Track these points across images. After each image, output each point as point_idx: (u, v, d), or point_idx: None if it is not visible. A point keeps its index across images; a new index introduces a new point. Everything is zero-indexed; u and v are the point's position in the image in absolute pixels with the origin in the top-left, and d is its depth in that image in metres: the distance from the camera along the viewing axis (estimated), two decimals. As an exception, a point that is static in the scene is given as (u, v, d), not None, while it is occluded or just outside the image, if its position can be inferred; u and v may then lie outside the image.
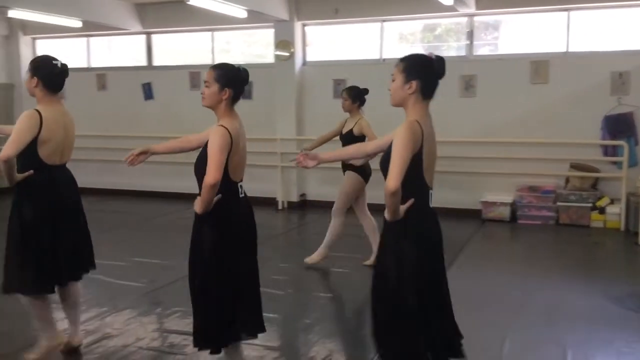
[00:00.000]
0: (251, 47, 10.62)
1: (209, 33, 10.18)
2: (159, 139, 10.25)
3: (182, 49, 10.72)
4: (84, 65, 11.10)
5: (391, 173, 2.56)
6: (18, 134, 3.52)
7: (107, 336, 4.19)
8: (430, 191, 2.81)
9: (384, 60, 9.20)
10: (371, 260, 5.63)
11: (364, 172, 5.94)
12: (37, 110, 3.63)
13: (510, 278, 5.75)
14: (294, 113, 9.54)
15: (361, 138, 5.75)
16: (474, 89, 8.72)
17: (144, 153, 3.53)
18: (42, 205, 3.65)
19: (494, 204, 8.41)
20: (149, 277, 5.65)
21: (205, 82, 3.21)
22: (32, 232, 3.62)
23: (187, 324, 4.37)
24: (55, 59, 3.80)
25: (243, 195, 3.34)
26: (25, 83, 3.81)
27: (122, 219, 8.64)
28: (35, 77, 3.70)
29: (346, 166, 5.97)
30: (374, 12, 9.06)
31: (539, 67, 8.40)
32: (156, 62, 10.65)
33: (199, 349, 3.28)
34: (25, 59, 11.24)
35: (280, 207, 9.55)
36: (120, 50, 11.06)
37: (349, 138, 5.91)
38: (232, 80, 3.22)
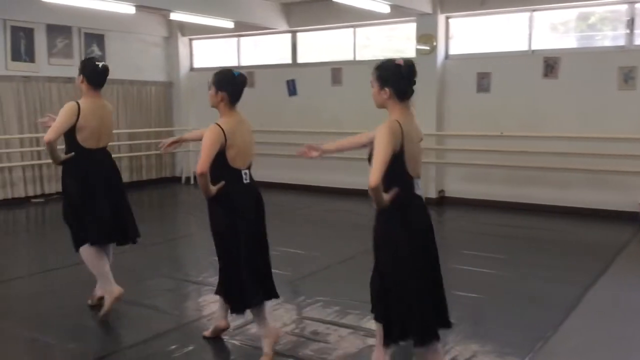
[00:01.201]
0: (391, 42, 10.60)
1: (351, 29, 10.32)
2: (301, 134, 10.65)
3: (324, 45, 10.98)
4: (235, 63, 11.75)
5: (372, 170, 2.89)
6: (58, 121, 4.26)
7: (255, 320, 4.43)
8: (416, 180, 3.13)
9: (533, 52, 8.77)
10: None
11: None
12: (77, 103, 4.33)
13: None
14: (434, 108, 9.40)
15: None
16: (634, 82, 8.02)
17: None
18: (80, 180, 4.36)
19: (655, 206, 7.70)
20: (293, 266, 5.87)
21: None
22: (81, 199, 4.35)
23: (329, 314, 4.53)
24: (99, 61, 4.55)
25: (248, 181, 3.79)
26: (76, 80, 4.54)
27: (275, 210, 9.04)
28: (81, 75, 4.44)
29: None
30: (524, 1, 8.64)
31: None
32: (300, 59, 11.02)
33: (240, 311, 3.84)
34: (184, 59, 12.17)
35: (418, 203, 9.46)
36: (267, 49, 11.57)
37: None
38: (226, 84, 3.71)
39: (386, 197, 2.98)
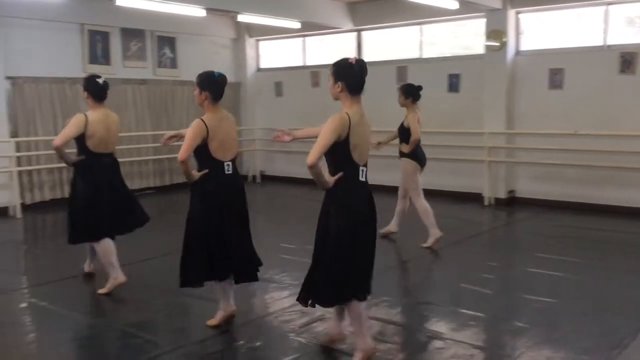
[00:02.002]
0: (458, 39, 10.40)
1: (417, 27, 10.20)
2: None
3: (389, 44, 10.89)
4: (300, 63, 11.86)
5: (312, 151, 3.29)
6: (65, 129, 4.91)
7: (321, 318, 4.45)
8: (362, 168, 3.51)
9: (609, 46, 8.38)
10: (427, 243, 6.37)
11: (418, 160, 6.52)
12: (85, 115, 4.96)
13: None
14: (504, 105, 9.15)
15: (409, 130, 6.42)
16: None
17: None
18: (89, 180, 5.00)
19: None
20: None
21: None
22: (89, 197, 4.97)
23: (395, 314, 4.49)
24: (99, 77, 5.14)
25: (230, 172, 4.23)
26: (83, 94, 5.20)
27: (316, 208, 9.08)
28: (85, 91, 5.10)
29: (401, 154, 6.58)
30: (599, -6, 8.30)
31: None
32: (365, 58, 10.94)
33: (181, 285, 4.27)
34: (250, 60, 12.38)
35: (486, 203, 9.25)
36: (332, 48, 11.60)
37: (402, 130, 6.59)
38: (208, 84, 4.15)
39: (330, 179, 3.42)
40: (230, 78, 12.34)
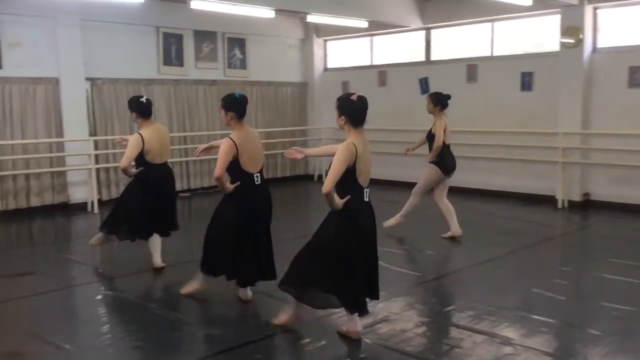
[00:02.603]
0: (532, 36, 10.08)
1: (489, 24, 9.97)
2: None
3: (459, 42, 10.69)
4: (367, 63, 11.83)
5: (326, 180, 3.76)
6: (128, 151, 5.46)
7: (386, 319, 4.43)
8: (365, 189, 3.96)
9: (696, 42, 7.91)
10: (447, 234, 6.86)
11: (445, 166, 6.84)
12: (140, 134, 5.53)
13: None
14: (580, 104, 8.80)
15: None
16: None
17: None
18: (147, 187, 5.60)
19: None
20: (423, 267, 5.80)
21: None
22: (140, 200, 5.60)
23: (463, 318, 4.41)
24: (142, 97, 5.70)
25: (259, 182, 4.65)
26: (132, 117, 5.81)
27: (399, 209, 9.01)
28: (133, 112, 5.68)
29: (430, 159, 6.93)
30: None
31: None
32: (434, 56, 10.83)
33: (205, 273, 4.82)
34: (318, 60, 12.47)
35: (559, 206, 8.93)
36: (400, 47, 11.50)
37: (429, 137, 6.92)
38: (232, 105, 4.59)
39: (339, 202, 3.83)
40: (297, 78, 12.63)
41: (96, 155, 9.30)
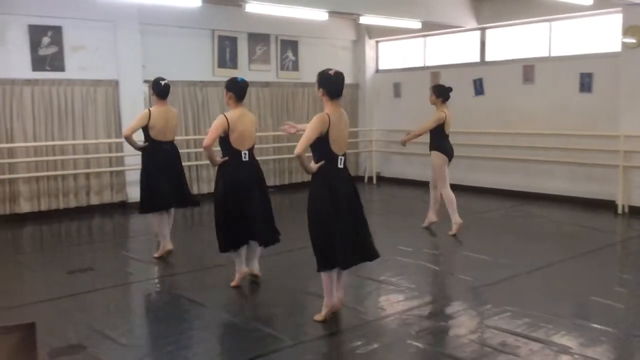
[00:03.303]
0: (591, 36, 9.76)
1: (547, 24, 9.72)
2: (489, 135, 10.30)
3: (515, 42, 10.46)
4: (420, 64, 11.72)
5: (298, 144, 4.18)
6: (134, 122, 6.24)
7: (440, 324, 4.38)
8: (340, 157, 4.36)
9: None
10: (452, 231, 7.20)
11: (445, 151, 7.24)
12: (149, 110, 6.20)
13: None
14: (644, 106, 8.48)
15: (439, 126, 7.20)
16: None
17: None
18: (152, 161, 6.20)
19: None
20: (477, 272, 5.70)
21: None
22: (150, 175, 6.22)
23: (519, 325, 4.31)
24: (163, 79, 6.30)
25: (246, 159, 5.16)
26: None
27: (472, 215, 8.89)
28: (152, 90, 6.39)
29: (430, 147, 7.36)
30: None
31: None
32: (488, 57, 10.63)
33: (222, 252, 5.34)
34: (370, 61, 12.44)
35: (619, 211, 8.62)
36: (454, 48, 11.34)
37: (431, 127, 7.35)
38: (233, 87, 5.18)
39: (313, 166, 4.29)
40: (348, 80, 12.61)
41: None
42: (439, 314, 4.60)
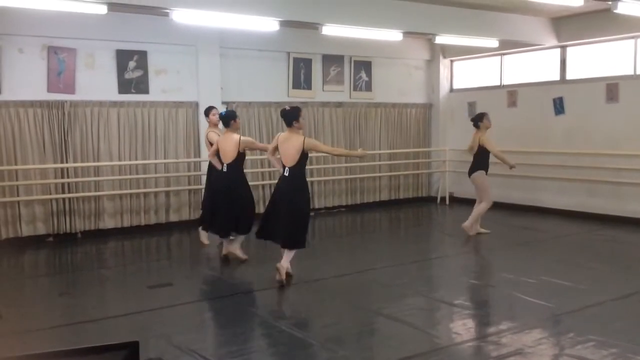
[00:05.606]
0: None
1: (632, 40, 9.32)
2: (569, 155, 9.92)
3: (598, 60, 10.07)
4: (496, 83, 11.49)
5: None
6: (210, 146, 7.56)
7: (520, 352, 4.22)
8: (286, 167, 6.04)
9: None
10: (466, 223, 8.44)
11: (487, 168, 8.44)
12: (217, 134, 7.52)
13: None
14: None
15: (481, 148, 8.32)
16: None
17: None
18: (210, 183, 7.66)
19: None
20: (558, 298, 5.47)
21: None
22: (206, 195, 7.83)
23: (604, 356, 4.10)
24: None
25: (225, 170, 6.92)
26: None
27: (530, 236, 8.61)
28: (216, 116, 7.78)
29: (472, 169, 8.49)
30: None
31: None
32: (569, 75, 10.29)
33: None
34: (444, 80, 12.31)
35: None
36: (532, 66, 11.05)
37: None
38: (220, 117, 7.31)
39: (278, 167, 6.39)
40: (422, 99, 12.55)
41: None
42: (517, 341, 4.44)
